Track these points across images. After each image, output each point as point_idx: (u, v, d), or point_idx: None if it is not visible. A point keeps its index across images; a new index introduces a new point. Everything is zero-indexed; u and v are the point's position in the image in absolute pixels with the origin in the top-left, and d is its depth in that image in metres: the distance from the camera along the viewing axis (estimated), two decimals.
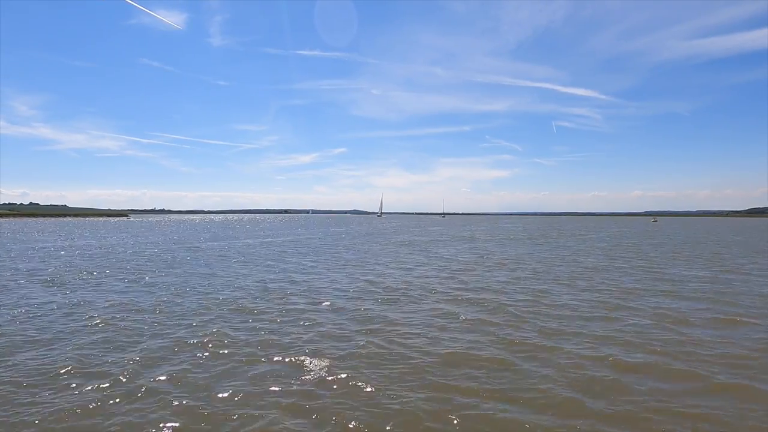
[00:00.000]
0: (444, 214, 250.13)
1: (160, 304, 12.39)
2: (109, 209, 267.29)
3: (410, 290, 15.10)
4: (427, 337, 9.43)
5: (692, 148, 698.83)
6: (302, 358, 8.09)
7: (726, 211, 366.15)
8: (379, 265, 22.49)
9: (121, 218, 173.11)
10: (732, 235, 56.27)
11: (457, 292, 14.71)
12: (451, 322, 10.72)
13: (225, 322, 10.58)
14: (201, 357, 8.12)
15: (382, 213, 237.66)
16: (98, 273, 18.66)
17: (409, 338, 9.38)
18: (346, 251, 30.45)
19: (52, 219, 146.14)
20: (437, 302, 13.12)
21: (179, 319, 10.77)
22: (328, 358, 8.11)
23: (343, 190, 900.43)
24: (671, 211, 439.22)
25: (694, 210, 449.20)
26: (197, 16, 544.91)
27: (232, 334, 9.54)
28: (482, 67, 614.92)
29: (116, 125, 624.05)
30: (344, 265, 22.40)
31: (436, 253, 29.71)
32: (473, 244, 39.05)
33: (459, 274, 19.26)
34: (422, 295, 14.30)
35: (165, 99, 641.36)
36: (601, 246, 36.82)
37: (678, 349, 8.76)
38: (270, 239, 43.67)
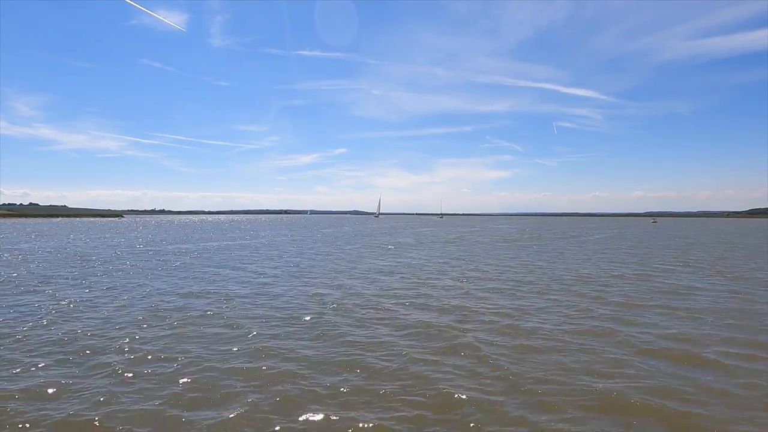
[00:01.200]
0: (442, 214, 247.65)
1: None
2: (107, 209, 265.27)
3: (353, 307, 12.46)
4: (339, 371, 6.79)
5: (693, 149, 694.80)
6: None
7: (727, 212, 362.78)
8: (340, 271, 19.87)
9: (114, 219, 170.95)
10: (738, 237, 53.53)
11: (408, 312, 12.07)
12: (379, 351, 8.07)
13: (92, 336, 7.94)
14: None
15: (379, 213, 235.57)
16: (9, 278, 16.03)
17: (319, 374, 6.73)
18: (308, 252, 27.79)
19: (43, 219, 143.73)
20: (378, 325, 10.48)
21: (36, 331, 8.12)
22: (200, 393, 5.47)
23: (344, 190, 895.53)
24: (672, 212, 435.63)
25: (695, 210, 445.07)
26: (198, 17, 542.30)
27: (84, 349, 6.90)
28: (483, 68, 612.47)
29: (117, 125, 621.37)
30: (295, 271, 19.78)
31: (411, 257, 27.08)
32: (458, 247, 36.41)
33: (426, 283, 16.62)
34: (364, 314, 11.66)
35: (166, 99, 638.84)
36: (595, 249, 34.13)
37: (687, 388, 6.11)
38: (244, 241, 41.05)
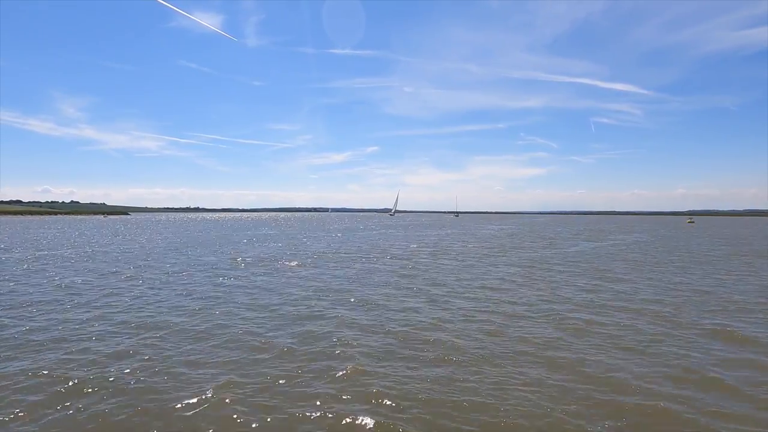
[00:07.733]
0: (457, 213, 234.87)
1: None
2: (116, 206, 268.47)
3: None
4: None
5: (739, 144, 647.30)
6: None
7: None
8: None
9: (99, 216, 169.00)
10: None
11: None
12: None
13: None
14: None
15: (395, 211, 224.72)
16: None
17: None
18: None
19: (49, 217, 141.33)
20: None
21: None
22: None
23: (376, 188, 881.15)
24: (717, 210, 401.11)
25: (741, 209, 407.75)
26: (233, 18, 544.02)
27: None
28: (517, 63, 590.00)
29: (156, 126, 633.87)
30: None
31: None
32: (352, 269, 25.22)
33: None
34: None
35: (202, 99, 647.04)
36: (593, 269, 21.96)
37: None
38: (179, 240, 31.31)
